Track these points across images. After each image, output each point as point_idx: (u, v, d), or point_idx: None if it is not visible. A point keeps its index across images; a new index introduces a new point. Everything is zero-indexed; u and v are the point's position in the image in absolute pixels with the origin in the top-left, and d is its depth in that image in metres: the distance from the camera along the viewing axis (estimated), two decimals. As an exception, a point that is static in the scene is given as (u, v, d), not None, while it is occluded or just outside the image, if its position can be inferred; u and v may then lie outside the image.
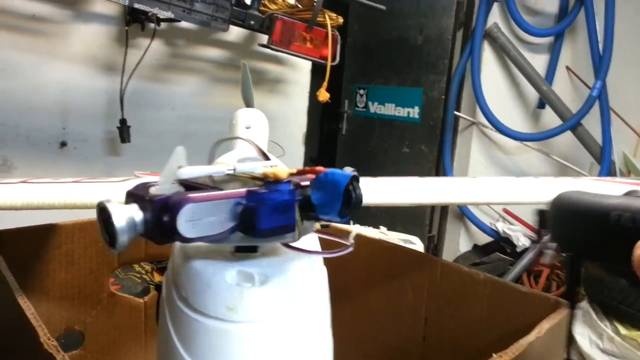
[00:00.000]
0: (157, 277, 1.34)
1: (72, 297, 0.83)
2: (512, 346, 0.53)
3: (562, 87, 2.32)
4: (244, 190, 0.41)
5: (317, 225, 0.47)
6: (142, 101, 1.61)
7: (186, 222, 0.37)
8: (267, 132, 1.00)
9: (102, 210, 0.38)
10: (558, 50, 2.33)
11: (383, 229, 1.79)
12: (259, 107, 1.16)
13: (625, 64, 2.15)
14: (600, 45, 2.13)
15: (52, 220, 0.81)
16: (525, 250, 2.14)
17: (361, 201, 0.41)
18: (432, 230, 2.42)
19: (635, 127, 2.17)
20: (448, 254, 2.46)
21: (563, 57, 2.34)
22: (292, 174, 0.44)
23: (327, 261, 0.51)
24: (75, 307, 0.84)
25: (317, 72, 1.88)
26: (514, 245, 2.21)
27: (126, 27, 1.50)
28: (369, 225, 1.78)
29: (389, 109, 2.48)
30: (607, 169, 2.13)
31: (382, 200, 0.68)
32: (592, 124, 2.19)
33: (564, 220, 0.48)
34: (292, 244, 0.45)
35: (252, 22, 1.49)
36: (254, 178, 0.44)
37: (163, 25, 1.56)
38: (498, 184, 0.75)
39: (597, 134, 2.18)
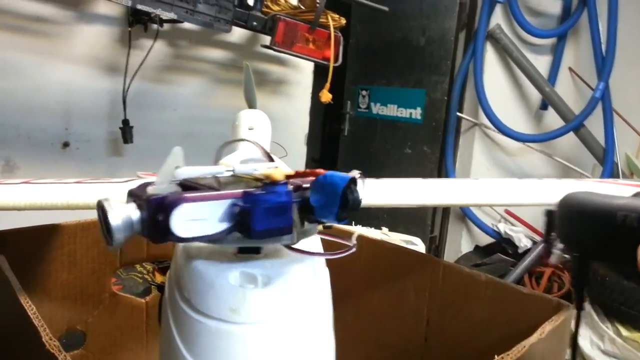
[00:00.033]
0: (158, 277, 1.34)
1: (74, 297, 0.84)
2: (514, 348, 0.52)
3: (565, 89, 2.32)
4: (240, 191, 0.41)
5: (320, 226, 0.46)
6: (145, 102, 1.61)
7: (180, 222, 0.38)
8: (270, 134, 1.01)
9: (101, 208, 0.39)
10: (561, 52, 2.33)
11: (385, 229, 1.79)
12: (261, 108, 1.16)
13: (628, 65, 2.14)
14: (603, 47, 2.13)
15: (55, 220, 0.81)
16: (527, 251, 2.14)
17: (359, 204, 0.41)
18: (433, 231, 2.41)
19: (638, 129, 2.17)
20: (450, 255, 2.46)
21: (566, 58, 2.34)
22: (292, 176, 0.44)
23: (328, 262, 0.51)
24: (77, 307, 0.84)
25: (320, 73, 1.88)
26: (515, 246, 2.21)
27: (129, 28, 1.50)
28: (370, 226, 1.78)
29: (392, 110, 2.48)
30: (610, 171, 2.13)
31: (384, 201, 0.67)
32: (594, 125, 2.19)
33: (572, 220, 0.48)
34: (294, 246, 0.45)
35: (255, 23, 1.49)
36: (256, 179, 0.45)
37: (166, 26, 1.57)
38: (501, 185, 0.75)
39: (599, 136, 2.18)
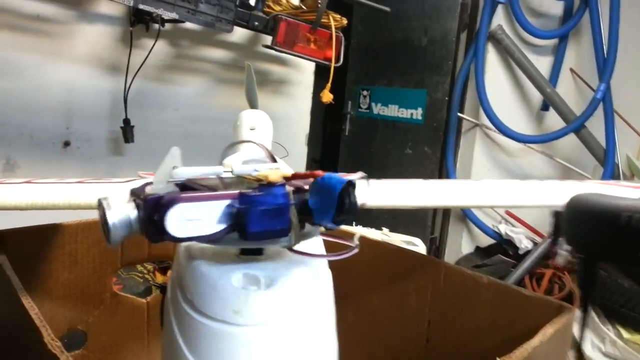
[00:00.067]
0: (159, 277, 1.34)
1: (75, 297, 0.84)
2: (516, 350, 0.52)
3: (566, 90, 2.32)
4: (236, 192, 0.41)
5: (321, 228, 0.46)
6: (146, 101, 1.61)
7: (175, 222, 0.38)
8: (272, 134, 1.01)
9: (100, 206, 0.40)
10: (562, 53, 2.33)
11: (385, 230, 1.79)
12: (262, 108, 1.16)
13: (629, 67, 2.14)
14: (605, 48, 2.13)
15: (56, 220, 0.81)
16: (528, 252, 2.13)
17: (355, 208, 0.41)
18: (434, 231, 2.41)
19: (639, 130, 2.17)
20: (450, 256, 2.46)
21: (567, 59, 2.34)
22: (292, 177, 0.44)
23: (330, 264, 0.51)
24: (78, 307, 0.84)
25: (321, 73, 1.88)
26: (516, 248, 2.20)
27: (131, 28, 1.50)
28: (371, 227, 1.78)
29: (392, 110, 2.48)
30: (611, 172, 2.12)
31: (385, 202, 0.67)
32: (596, 126, 2.18)
33: (578, 221, 0.48)
34: (296, 248, 0.45)
35: (256, 23, 1.49)
36: (255, 180, 0.45)
37: (167, 26, 1.56)
38: (502, 187, 0.75)
39: (601, 137, 2.18)
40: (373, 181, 0.61)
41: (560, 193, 0.54)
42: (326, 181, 0.41)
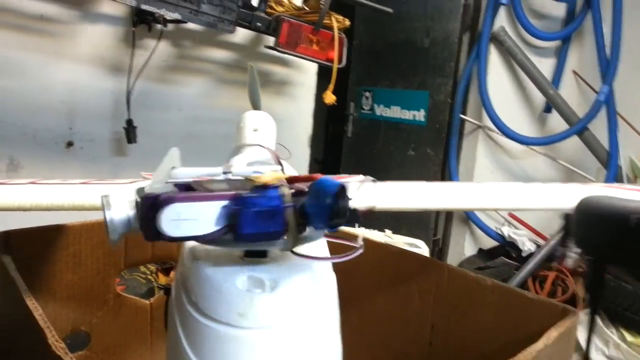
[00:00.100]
0: (161, 278, 1.34)
1: (79, 297, 0.84)
2: (520, 354, 0.52)
3: (569, 92, 2.32)
4: (231, 193, 0.41)
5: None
6: (149, 102, 1.61)
7: (169, 221, 0.38)
8: (275, 135, 1.00)
9: (102, 204, 0.41)
10: (565, 54, 2.33)
11: (388, 232, 1.78)
12: (264, 108, 1.15)
13: (632, 69, 2.14)
14: (607, 50, 2.12)
15: (60, 220, 0.81)
16: (531, 254, 2.13)
17: (345, 213, 0.40)
18: (437, 233, 2.41)
19: (642, 132, 2.17)
20: (453, 258, 2.45)
21: (570, 61, 2.33)
22: (293, 180, 0.44)
23: (333, 266, 0.51)
24: (81, 307, 0.84)
25: (323, 75, 1.88)
26: (519, 250, 2.20)
27: (133, 28, 1.50)
28: (373, 229, 1.77)
29: (395, 112, 2.48)
30: (614, 174, 2.12)
31: (390, 205, 0.67)
32: (598, 128, 2.18)
33: (588, 223, 0.48)
34: (300, 251, 0.45)
35: (259, 24, 1.49)
36: (252, 182, 0.45)
37: (170, 26, 1.56)
38: (506, 190, 0.75)
39: (603, 139, 2.17)
40: (378, 184, 0.61)
41: (564, 196, 0.54)
42: (320, 185, 0.41)
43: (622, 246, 0.45)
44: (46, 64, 1.42)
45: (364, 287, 0.87)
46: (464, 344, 0.76)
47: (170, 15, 1.33)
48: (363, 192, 0.46)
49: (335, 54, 1.59)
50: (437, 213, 2.35)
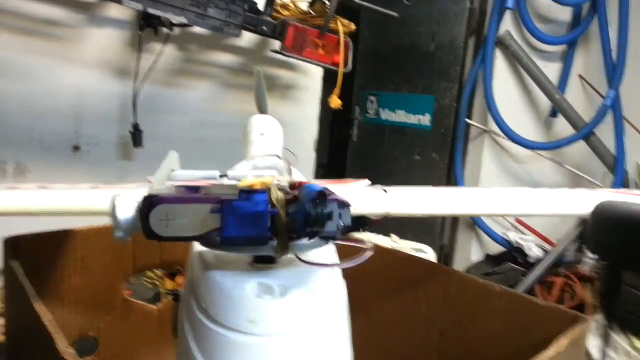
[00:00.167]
0: (168, 283, 1.34)
1: (87, 302, 0.83)
2: (532, 361, 0.52)
3: (575, 96, 2.31)
4: (217, 196, 0.41)
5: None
6: (155, 106, 1.61)
7: (157, 221, 0.40)
8: (281, 139, 1.00)
9: (111, 202, 0.42)
10: (571, 59, 2.32)
11: (394, 237, 1.78)
12: (270, 112, 1.15)
13: (638, 73, 2.13)
14: (614, 54, 2.12)
15: (68, 225, 0.81)
16: (538, 260, 2.12)
17: (319, 220, 0.40)
18: (443, 239, 2.40)
19: (649, 137, 2.16)
20: (459, 263, 2.44)
21: (576, 65, 2.33)
22: (292, 187, 0.44)
23: (342, 271, 0.51)
24: (89, 312, 0.84)
25: (329, 79, 1.88)
26: (526, 256, 2.19)
27: (139, 32, 1.50)
28: (379, 234, 1.77)
29: (400, 116, 2.47)
30: (621, 179, 2.11)
31: (396, 210, 0.67)
32: (605, 133, 2.17)
33: (603, 228, 0.48)
34: (309, 257, 0.45)
35: (265, 28, 1.49)
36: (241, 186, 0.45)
37: (176, 30, 1.57)
38: (516, 195, 0.74)
39: (610, 144, 2.17)
40: (388, 188, 0.61)
41: (574, 202, 0.53)
42: (302, 191, 0.41)
43: (635, 250, 0.45)
44: (53, 67, 1.42)
45: (370, 292, 0.87)
46: (472, 350, 0.75)
47: (176, 19, 1.34)
48: (375, 200, 0.46)
49: (340, 58, 1.59)
50: (444, 218, 2.35)
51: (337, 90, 1.62)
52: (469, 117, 2.37)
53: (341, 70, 1.59)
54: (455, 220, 2.43)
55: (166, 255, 0.91)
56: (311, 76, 1.97)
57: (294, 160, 1.04)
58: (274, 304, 0.41)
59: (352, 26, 1.63)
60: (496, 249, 2.38)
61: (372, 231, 1.75)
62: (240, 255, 0.46)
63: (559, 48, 2.33)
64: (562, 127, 2.31)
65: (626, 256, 0.47)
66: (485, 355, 0.73)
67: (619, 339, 1.15)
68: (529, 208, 0.71)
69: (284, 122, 1.08)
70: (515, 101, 2.37)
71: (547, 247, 2.22)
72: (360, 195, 0.48)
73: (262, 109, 1.19)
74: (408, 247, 1.63)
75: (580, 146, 2.23)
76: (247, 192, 0.40)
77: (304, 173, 0.51)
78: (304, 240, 0.43)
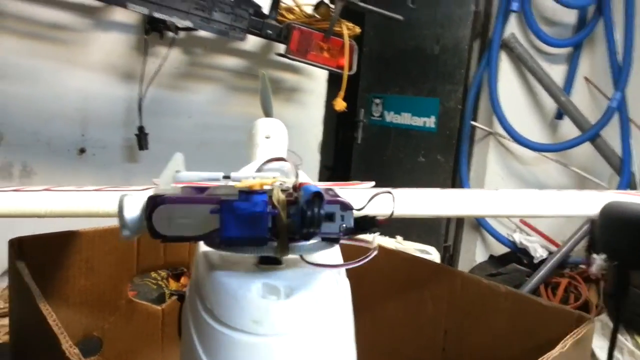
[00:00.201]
0: (172, 284, 1.34)
1: (91, 303, 0.84)
2: (536, 361, 0.52)
3: (581, 98, 2.30)
4: (218, 197, 0.41)
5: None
6: (160, 109, 1.62)
7: (159, 221, 0.40)
8: (287, 142, 1.01)
9: (119, 202, 0.43)
10: (576, 61, 2.31)
11: (399, 238, 1.78)
12: (275, 115, 1.16)
13: (645, 75, 2.12)
14: (620, 56, 2.11)
15: (73, 227, 0.82)
16: (543, 261, 2.11)
17: (314, 221, 0.40)
18: (447, 240, 2.40)
19: (655, 139, 2.15)
20: (464, 264, 2.44)
21: (581, 67, 2.32)
22: (295, 188, 0.44)
23: (347, 272, 0.51)
24: (94, 313, 0.85)
25: (333, 81, 1.89)
26: (530, 257, 2.18)
27: (145, 36, 1.51)
28: (384, 235, 1.77)
29: (405, 119, 2.47)
30: (627, 181, 2.10)
31: (402, 211, 0.67)
32: (611, 135, 2.16)
33: (612, 228, 0.48)
34: (314, 258, 0.45)
35: (270, 32, 1.50)
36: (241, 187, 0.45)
37: (181, 34, 1.58)
38: (522, 196, 0.74)
39: (616, 145, 2.16)
40: (393, 190, 0.61)
41: (581, 203, 0.53)
42: (300, 193, 0.41)
43: None
44: (59, 71, 1.43)
45: (375, 293, 0.87)
46: (477, 351, 0.75)
47: (182, 23, 1.34)
48: (379, 201, 0.46)
49: (345, 61, 1.59)
50: (448, 219, 2.34)
51: (342, 93, 1.62)
52: (474, 120, 2.36)
53: (346, 73, 1.59)
54: (459, 221, 2.42)
55: (170, 257, 0.91)
56: (316, 79, 1.97)
57: (298, 162, 1.04)
58: (279, 305, 0.41)
59: (357, 29, 1.63)
60: (501, 250, 2.38)
61: (376, 232, 1.74)
62: (245, 256, 0.47)
63: (564, 50, 2.33)
64: (568, 129, 2.30)
65: (635, 256, 0.47)
66: (491, 355, 0.73)
67: (624, 339, 1.15)
68: (537, 209, 0.71)
69: (289, 125, 1.08)
70: (521, 103, 2.37)
71: (552, 248, 2.22)
72: (364, 197, 0.48)
73: (267, 112, 1.19)
74: (412, 248, 1.63)
75: (586, 148, 2.22)
76: (247, 193, 0.41)
77: (308, 175, 0.52)
78: (306, 242, 0.43)
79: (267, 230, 0.41)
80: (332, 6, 1.54)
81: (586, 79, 2.33)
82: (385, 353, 0.87)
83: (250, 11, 1.44)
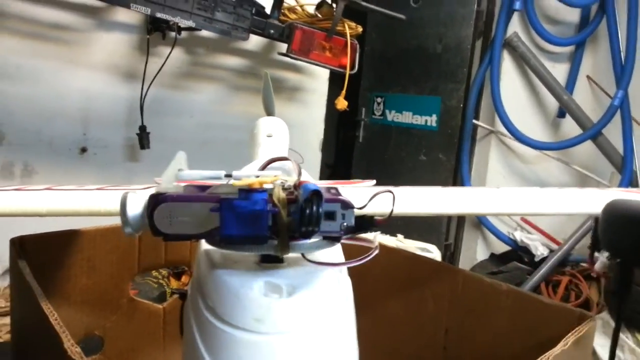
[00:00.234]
0: (173, 283, 1.34)
1: (93, 302, 0.84)
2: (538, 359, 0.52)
3: (583, 97, 2.30)
4: (218, 195, 0.41)
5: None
6: (162, 108, 1.62)
7: (162, 219, 0.40)
8: (288, 141, 1.01)
9: (121, 199, 0.43)
10: (579, 60, 2.31)
11: (400, 236, 1.78)
12: (276, 114, 1.16)
13: (647, 74, 2.12)
14: (622, 55, 2.11)
15: (74, 226, 0.82)
16: (544, 259, 2.11)
17: (312, 220, 0.40)
18: (448, 238, 2.40)
19: (657, 137, 2.14)
20: (465, 263, 2.44)
21: (584, 66, 2.32)
22: (295, 187, 0.44)
23: (348, 270, 0.51)
24: (95, 312, 0.85)
25: (335, 81, 1.89)
26: (531, 255, 2.18)
27: (147, 36, 1.51)
28: (385, 233, 1.77)
29: (407, 117, 2.47)
30: (629, 179, 2.10)
31: (404, 210, 0.67)
32: (613, 133, 2.16)
33: (615, 226, 0.48)
34: (315, 256, 0.45)
35: (272, 31, 1.50)
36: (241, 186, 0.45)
37: (184, 34, 1.58)
38: (524, 194, 0.74)
39: (618, 144, 2.15)
40: (395, 189, 0.61)
41: (584, 201, 0.53)
42: (299, 191, 0.41)
43: None
44: (61, 71, 1.43)
45: (376, 291, 0.87)
46: (479, 349, 0.75)
47: (184, 23, 1.34)
48: (380, 200, 0.46)
49: (347, 61, 1.59)
50: (449, 217, 2.34)
51: (343, 92, 1.62)
52: (476, 118, 2.36)
53: (348, 72, 1.59)
54: (460, 219, 2.42)
55: (171, 255, 0.91)
56: (318, 78, 1.98)
57: (299, 161, 1.05)
58: (281, 303, 0.41)
59: (359, 29, 1.63)
60: (502, 248, 2.38)
61: (377, 231, 1.75)
62: (247, 255, 0.47)
63: (566, 49, 2.32)
64: (570, 128, 2.30)
65: (638, 254, 0.47)
66: (492, 353, 0.73)
67: (625, 337, 1.14)
68: (539, 207, 0.71)
69: (291, 124, 1.08)
70: (523, 102, 2.37)
71: (553, 246, 2.22)
72: (365, 196, 0.48)
73: (269, 111, 1.19)
74: (413, 246, 1.63)
75: (588, 146, 2.22)
76: (246, 192, 0.41)
77: (310, 174, 0.52)
78: (307, 240, 0.43)
79: (267, 228, 0.41)
80: (334, 6, 1.54)
81: (588, 77, 2.32)
82: (386, 351, 0.87)
83: (253, 11, 1.44)
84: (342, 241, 0.47)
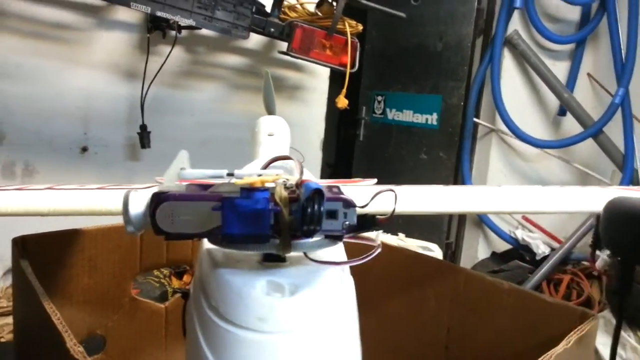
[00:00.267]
0: (175, 282, 1.34)
1: (95, 301, 0.84)
2: (540, 359, 0.52)
3: (584, 95, 2.30)
4: (220, 194, 0.41)
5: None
6: (163, 107, 1.62)
7: (164, 218, 0.40)
8: (289, 139, 1.01)
9: (124, 198, 0.43)
10: (580, 57, 2.31)
11: (401, 235, 1.78)
12: (277, 113, 1.16)
13: (648, 71, 2.11)
14: (623, 52, 2.10)
15: (76, 225, 0.82)
16: (545, 258, 2.11)
17: (314, 218, 0.40)
18: (450, 237, 2.40)
19: (658, 135, 2.14)
20: (466, 261, 2.44)
21: (585, 64, 2.31)
22: (297, 186, 0.44)
23: (350, 269, 0.51)
24: (97, 311, 0.85)
25: (335, 79, 1.88)
26: (533, 253, 2.18)
27: (148, 35, 1.51)
28: (386, 232, 1.77)
29: (407, 116, 2.47)
30: (630, 177, 2.10)
31: (405, 208, 0.67)
32: (614, 131, 2.16)
33: (616, 224, 0.48)
34: (318, 255, 0.45)
35: (272, 30, 1.50)
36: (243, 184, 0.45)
37: (184, 32, 1.58)
38: (525, 192, 0.74)
39: (619, 142, 2.15)
40: (396, 187, 0.61)
41: (586, 199, 0.53)
42: (301, 190, 0.41)
43: None
44: (62, 70, 1.43)
45: (378, 290, 0.87)
46: (481, 348, 0.75)
47: (185, 21, 1.34)
48: (382, 199, 0.46)
49: (348, 59, 1.59)
50: (450, 216, 2.34)
51: (344, 90, 1.62)
52: (477, 116, 2.36)
53: (348, 70, 1.59)
54: (462, 218, 2.42)
55: (173, 254, 0.91)
56: (318, 77, 1.97)
57: (300, 160, 1.05)
58: (283, 302, 0.41)
59: (360, 27, 1.63)
60: (503, 246, 2.38)
61: (380, 229, 1.74)
62: (249, 254, 0.47)
63: (567, 47, 2.32)
64: (571, 126, 2.30)
65: (637, 251, 0.47)
66: (494, 352, 0.73)
67: (627, 335, 1.14)
68: (541, 205, 0.71)
69: (292, 123, 1.08)
70: (523, 100, 2.36)
71: (555, 244, 2.22)
72: (367, 195, 0.48)
73: (270, 110, 1.19)
74: (415, 245, 1.62)
75: (589, 144, 2.22)
76: (248, 190, 0.41)
77: (311, 173, 0.51)
78: (309, 239, 0.43)
79: (269, 227, 0.41)
80: (335, 4, 1.54)
81: (589, 75, 2.32)
82: (388, 350, 0.87)
83: (253, 9, 1.43)
84: (344, 240, 0.47)
